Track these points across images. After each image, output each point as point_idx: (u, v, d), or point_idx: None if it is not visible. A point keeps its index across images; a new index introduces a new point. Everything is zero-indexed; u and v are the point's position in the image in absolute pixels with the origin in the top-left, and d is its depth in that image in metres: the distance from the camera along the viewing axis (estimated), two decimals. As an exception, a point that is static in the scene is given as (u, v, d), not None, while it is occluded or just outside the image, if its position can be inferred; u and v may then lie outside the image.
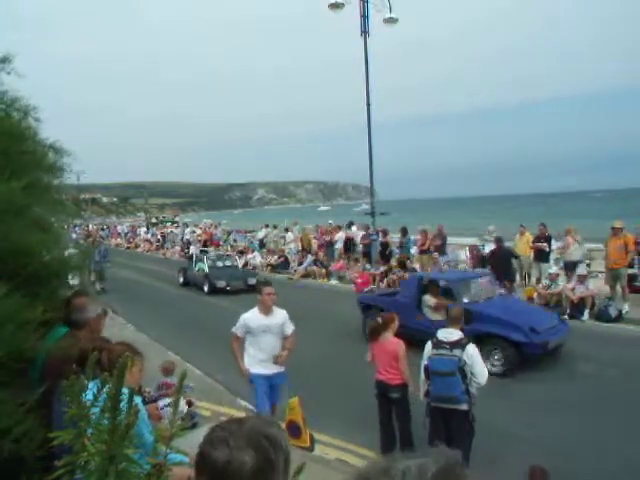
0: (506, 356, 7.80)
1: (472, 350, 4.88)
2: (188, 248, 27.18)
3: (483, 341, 7.88)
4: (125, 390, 1.48)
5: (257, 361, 5.41)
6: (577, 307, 10.98)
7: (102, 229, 44.59)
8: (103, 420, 1.47)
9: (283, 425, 5.22)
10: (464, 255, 17.22)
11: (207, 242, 26.20)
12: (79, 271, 3.84)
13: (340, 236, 19.35)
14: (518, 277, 14.31)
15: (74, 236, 15.32)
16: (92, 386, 1.69)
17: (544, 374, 7.74)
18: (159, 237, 33.95)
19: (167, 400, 4.74)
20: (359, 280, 15.64)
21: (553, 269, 12.57)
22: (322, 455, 5.55)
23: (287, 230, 24.00)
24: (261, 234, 25.26)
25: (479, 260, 15.17)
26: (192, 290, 16.95)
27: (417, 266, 15.85)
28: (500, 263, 12.66)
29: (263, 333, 5.40)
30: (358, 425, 6.10)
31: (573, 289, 11.34)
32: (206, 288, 16.25)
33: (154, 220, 50.09)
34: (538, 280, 13.46)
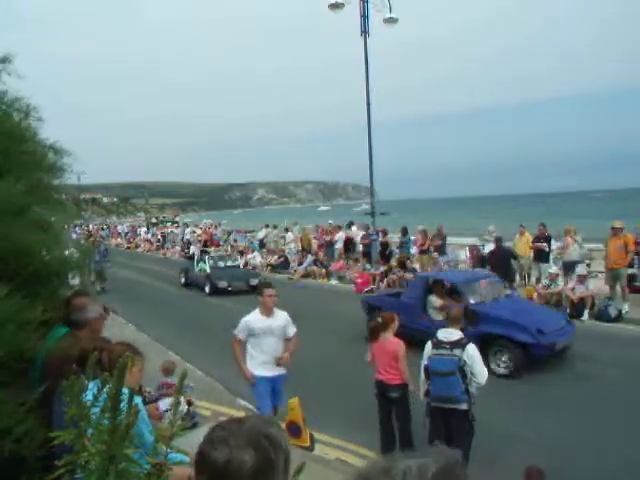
0: (513, 357, 7.74)
1: (472, 350, 4.88)
2: (188, 248, 27.19)
3: (490, 342, 7.89)
4: (125, 390, 1.48)
5: (259, 363, 5.37)
6: (577, 307, 10.97)
7: (102, 229, 44.61)
8: (103, 420, 1.47)
9: (283, 425, 5.22)
10: (464, 255, 17.22)
11: (207, 242, 26.21)
12: (79, 271, 3.84)
13: (340, 236, 19.36)
14: (518, 277, 14.31)
15: (74, 236, 15.32)
16: (92, 386, 1.69)
17: (543, 374, 7.74)
18: (159, 237, 33.97)
19: (168, 402, 4.74)
20: (359, 280, 15.65)
21: (553, 269, 12.57)
22: (322, 455, 5.55)
23: (287, 230, 24.01)
24: (261, 234, 25.27)
25: (479, 260, 15.17)
26: (192, 290, 16.95)
27: (417, 266, 15.85)
28: (500, 263, 12.66)
29: (265, 335, 5.36)
30: (358, 425, 6.10)
31: (573, 289, 11.34)
32: (207, 289, 16.18)
33: (154, 220, 50.11)
34: (538, 280, 13.46)
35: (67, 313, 3.21)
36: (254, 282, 15.02)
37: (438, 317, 8.73)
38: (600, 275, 13.27)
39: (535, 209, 70.61)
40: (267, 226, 25.57)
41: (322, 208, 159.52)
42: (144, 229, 40.36)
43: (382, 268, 16.00)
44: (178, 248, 29.24)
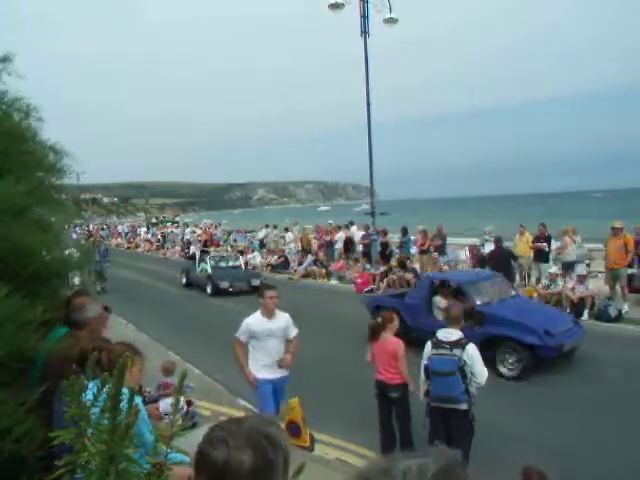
0: (520, 359, 7.66)
1: (472, 350, 4.88)
2: (188, 248, 27.21)
3: (496, 344, 7.83)
4: (125, 390, 1.48)
5: (261, 365, 5.32)
6: (577, 307, 10.97)
7: (102, 229, 44.62)
8: (103, 420, 1.47)
9: (283, 425, 5.22)
10: (464, 255, 17.22)
11: (207, 242, 26.20)
12: (79, 271, 3.84)
13: (340, 236, 19.35)
14: (518, 277, 14.31)
15: (74, 236, 15.33)
16: (92, 386, 1.69)
17: (543, 374, 7.73)
18: (159, 237, 33.97)
19: (168, 402, 4.73)
20: (359, 280, 15.65)
21: (553, 269, 12.57)
22: (322, 455, 5.56)
23: (287, 230, 24.01)
24: (261, 234, 25.27)
25: (479, 260, 15.17)
26: (192, 290, 16.95)
27: (417, 266, 15.85)
28: (500, 263, 12.65)
29: (267, 337, 5.30)
30: (358, 425, 6.10)
31: (573, 289, 11.35)
32: (209, 289, 16.08)
33: (154, 220, 50.12)
34: (538, 280, 13.46)
35: (67, 313, 3.21)
36: (256, 283, 14.90)
37: (443, 318, 8.69)
38: (600, 275, 13.26)
39: (535, 209, 70.60)
40: (267, 226, 25.57)
41: (322, 208, 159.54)
42: (144, 229, 40.36)
43: (382, 268, 15.99)
44: (178, 248, 29.24)
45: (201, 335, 10.86)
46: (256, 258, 21.30)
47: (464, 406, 4.87)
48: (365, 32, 17.54)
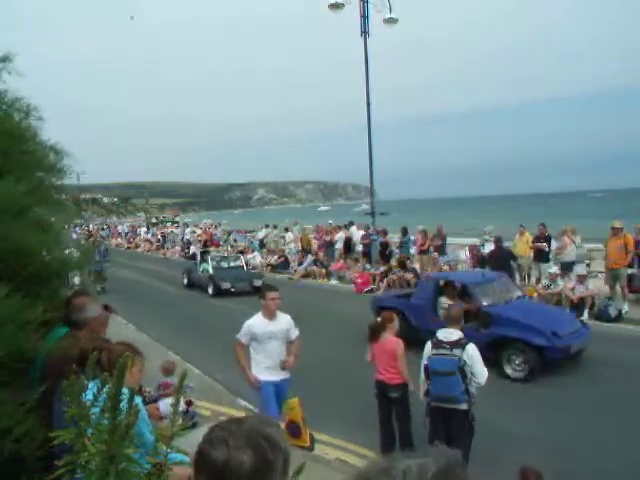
0: (527, 361, 7.60)
1: (472, 350, 4.88)
2: (188, 248, 27.22)
3: (503, 345, 7.78)
4: (125, 390, 1.48)
5: (264, 368, 5.27)
6: (577, 307, 10.97)
7: (102, 229, 44.63)
8: (103, 420, 1.47)
9: (283, 425, 5.22)
10: (464, 255, 17.22)
11: (207, 242, 26.21)
12: (79, 271, 3.84)
13: (340, 236, 19.35)
14: (518, 277, 14.31)
15: (74, 236, 15.32)
16: (92, 386, 1.69)
17: (542, 374, 7.73)
18: (159, 237, 33.98)
19: (168, 402, 4.73)
20: (359, 280, 15.66)
21: (553, 269, 12.57)
22: (322, 455, 5.55)
23: (287, 230, 24.01)
24: (261, 234, 25.28)
25: (479, 260, 15.17)
26: (193, 290, 16.94)
27: (417, 266, 15.85)
28: (500, 263, 12.65)
29: (268, 339, 5.25)
30: (358, 425, 6.10)
31: (573, 289, 11.35)
32: (210, 290, 15.96)
33: (154, 220, 50.13)
34: (538, 280, 13.46)
35: (67, 313, 3.21)
36: (258, 283, 14.80)
37: None
38: (600, 275, 13.27)
39: (535, 209, 70.61)
40: (267, 226, 25.58)
41: (322, 208, 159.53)
42: (144, 229, 40.37)
43: (382, 268, 16.00)
44: (178, 248, 29.25)
45: (201, 335, 10.86)
46: (256, 258, 21.30)
47: (464, 406, 4.87)
48: (365, 32, 17.55)
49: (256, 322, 5.30)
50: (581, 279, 11.46)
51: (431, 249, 15.95)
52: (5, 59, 3.29)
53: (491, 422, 5.62)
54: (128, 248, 35.45)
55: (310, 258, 19.10)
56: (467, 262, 16.50)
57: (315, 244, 20.91)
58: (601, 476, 5.10)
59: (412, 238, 17.29)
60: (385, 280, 15.33)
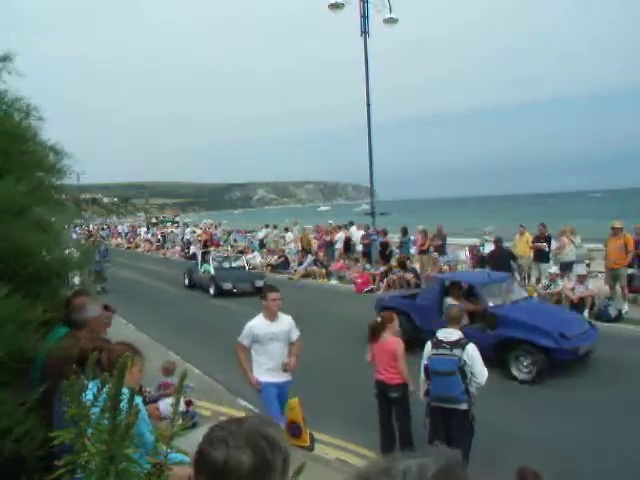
0: (535, 362, 7.50)
1: (472, 350, 4.88)
2: (188, 248, 27.23)
3: (510, 347, 7.70)
4: (125, 390, 1.48)
5: (265, 369, 5.22)
6: (577, 307, 10.98)
7: (102, 229, 44.63)
8: (103, 420, 1.47)
9: (283, 425, 5.22)
10: (464, 255, 17.22)
11: (207, 242, 26.21)
12: (79, 271, 3.84)
13: (340, 236, 19.36)
14: (518, 277, 14.31)
15: (74, 236, 15.33)
16: (92, 386, 1.69)
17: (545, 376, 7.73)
18: (159, 237, 33.98)
19: (168, 402, 4.73)
20: (359, 280, 15.66)
21: (553, 269, 12.58)
22: (322, 455, 5.55)
23: (287, 230, 24.01)
24: (261, 234, 25.28)
25: (479, 260, 15.18)
26: (193, 291, 16.93)
27: (417, 266, 15.86)
28: (499, 264, 12.65)
29: (270, 341, 5.20)
30: (358, 425, 6.10)
31: (573, 289, 11.35)
32: (212, 290, 15.85)
33: (154, 220, 50.12)
34: (538, 280, 13.46)
35: (67, 313, 3.21)
36: (259, 284, 14.65)
37: None
38: (600, 275, 13.27)
39: (535, 209, 70.62)
40: (267, 226, 25.58)
41: (322, 208, 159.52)
42: (144, 229, 40.37)
43: (382, 268, 16.00)
44: (178, 248, 29.26)
45: (201, 335, 10.86)
46: (256, 258, 21.30)
47: (464, 406, 4.87)
48: (365, 32, 17.55)
49: (257, 323, 5.25)
50: (581, 279, 11.46)
51: (431, 249, 15.95)
52: (5, 59, 3.29)
53: (491, 422, 5.61)
54: (128, 248, 35.45)
55: (310, 258, 19.10)
56: (467, 262, 16.50)
57: (315, 244, 20.91)
58: (601, 476, 5.10)
59: (412, 238, 17.29)
60: (385, 280, 15.33)
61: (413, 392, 5.31)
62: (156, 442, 1.60)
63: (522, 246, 13.96)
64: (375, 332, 5.45)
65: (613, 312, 10.70)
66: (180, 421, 1.62)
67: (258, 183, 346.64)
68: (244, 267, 17.81)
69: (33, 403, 2.44)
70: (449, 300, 8.77)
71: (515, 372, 7.64)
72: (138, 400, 1.87)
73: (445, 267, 14.96)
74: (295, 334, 5.41)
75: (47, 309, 2.77)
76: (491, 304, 8.27)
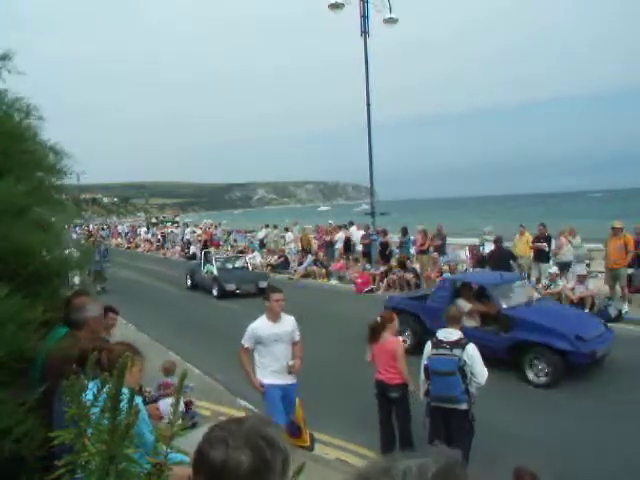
0: (550, 365, 7.32)
1: (472, 350, 4.88)
2: (188, 248, 27.24)
3: (524, 350, 7.55)
4: (125, 390, 1.48)
5: (270, 372, 5.15)
6: (577, 307, 10.97)
7: (102, 229, 44.64)
8: (103, 420, 1.47)
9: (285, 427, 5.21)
10: (464, 255, 17.22)
11: (207, 242, 26.22)
12: (79, 271, 3.84)
13: (340, 236, 19.36)
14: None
15: (74, 236, 15.33)
16: (92, 386, 1.69)
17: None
18: (159, 237, 33.98)
19: (168, 402, 4.73)
20: (359, 280, 15.66)
21: (553, 269, 12.58)
22: (322, 455, 5.55)
23: (287, 230, 24.02)
24: (261, 234, 25.28)
25: (479, 260, 15.18)
26: (193, 290, 16.92)
27: (417, 266, 15.86)
28: (499, 264, 12.65)
29: (274, 342, 5.13)
30: (358, 425, 6.10)
31: (573, 289, 11.35)
32: (215, 291, 15.56)
33: (154, 220, 50.12)
34: (538, 280, 13.46)
35: (67, 313, 3.21)
36: (264, 284, 14.44)
37: (467, 323, 8.08)
38: (600, 275, 13.27)
39: (535, 209, 70.63)
40: (267, 226, 25.58)
41: (322, 208, 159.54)
42: (144, 229, 40.37)
43: (382, 268, 16.01)
44: (178, 248, 29.26)
45: (201, 335, 10.86)
46: (256, 258, 21.29)
47: (464, 406, 4.87)
48: (365, 32, 17.55)
49: (260, 325, 5.19)
50: (581, 279, 11.46)
51: (431, 249, 15.94)
52: (5, 57, 3.29)
53: (491, 422, 5.62)
54: (128, 248, 35.45)
55: (310, 258, 19.10)
56: (467, 262, 16.49)
57: (315, 244, 20.91)
58: (601, 476, 5.10)
59: (412, 238, 17.29)
60: (385, 280, 15.34)
61: (413, 392, 5.30)
62: (156, 442, 1.60)
63: (522, 246, 13.96)
64: (375, 332, 5.45)
65: (613, 312, 10.69)
66: (180, 421, 1.62)
67: (258, 183, 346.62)
68: (247, 267, 17.53)
69: (33, 403, 2.44)
70: (460, 301, 8.59)
71: (530, 376, 7.46)
72: (138, 400, 1.87)
73: (445, 267, 14.96)
74: (297, 334, 5.37)
75: (47, 309, 2.77)
76: (504, 305, 8.10)
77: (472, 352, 4.87)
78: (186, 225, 35.82)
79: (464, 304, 8.52)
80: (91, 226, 40.64)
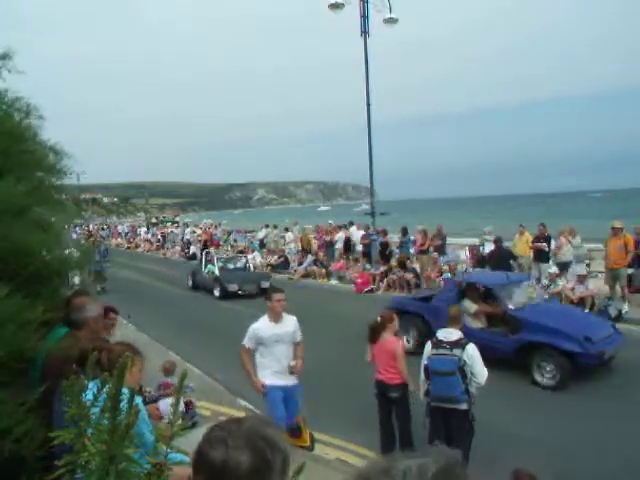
0: (559, 367, 7.25)
1: (472, 350, 4.88)
2: (188, 248, 27.24)
3: (532, 351, 7.50)
4: (125, 390, 1.48)
5: (271, 372, 5.13)
6: (577, 307, 10.97)
7: (102, 229, 44.64)
8: (103, 420, 1.47)
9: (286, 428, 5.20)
10: (464, 255, 17.22)
11: (207, 242, 26.23)
12: (79, 270, 3.84)
13: (340, 236, 19.36)
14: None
15: (74, 236, 15.32)
16: (92, 386, 1.69)
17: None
18: (159, 237, 33.98)
19: (168, 402, 4.73)
20: (359, 280, 15.66)
21: (553, 269, 12.58)
22: (322, 455, 5.55)
23: (287, 230, 24.02)
24: (261, 234, 25.28)
25: (479, 260, 15.18)
26: (194, 291, 16.90)
27: (417, 266, 15.86)
28: (499, 263, 12.64)
29: (275, 343, 5.12)
30: (358, 425, 6.10)
31: (573, 289, 11.35)
32: (217, 292, 15.42)
33: (154, 220, 50.13)
34: (538, 280, 13.46)
35: (67, 313, 3.21)
36: (266, 285, 14.31)
37: (473, 324, 8.16)
38: (600, 275, 13.27)
39: (535, 209, 70.62)
40: (267, 226, 25.58)
41: (322, 208, 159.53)
42: (144, 229, 40.37)
43: (382, 268, 16.01)
44: (178, 248, 29.26)
45: (201, 335, 10.86)
46: (256, 258, 21.29)
47: (464, 406, 4.87)
48: (365, 32, 17.54)
49: (262, 325, 5.18)
50: (581, 279, 11.46)
51: (431, 249, 15.95)
52: (5, 57, 3.29)
53: (491, 422, 5.61)
54: (128, 248, 35.45)
55: (310, 258, 19.09)
56: (467, 262, 16.50)
57: (315, 244, 20.91)
58: (601, 476, 5.10)
59: (412, 238, 17.29)
60: (385, 280, 15.34)
61: (413, 392, 5.30)
62: (156, 442, 1.60)
63: (522, 246, 13.96)
64: (375, 332, 5.45)
65: (613, 312, 10.69)
66: (180, 421, 1.62)
67: (258, 183, 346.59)
68: (249, 268, 17.41)
69: (33, 403, 2.44)
70: (466, 302, 8.50)
71: (538, 378, 7.40)
72: (138, 400, 1.87)
73: (445, 267, 14.96)
74: (298, 335, 5.36)
75: (47, 309, 2.77)
76: (511, 306, 8.03)
77: (472, 352, 4.87)
78: (186, 225, 35.83)
79: (470, 305, 8.45)
80: (91, 226, 40.64)
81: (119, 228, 45.61)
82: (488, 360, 5.16)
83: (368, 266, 16.77)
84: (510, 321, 7.91)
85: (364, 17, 17.48)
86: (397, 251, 17.34)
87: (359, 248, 18.28)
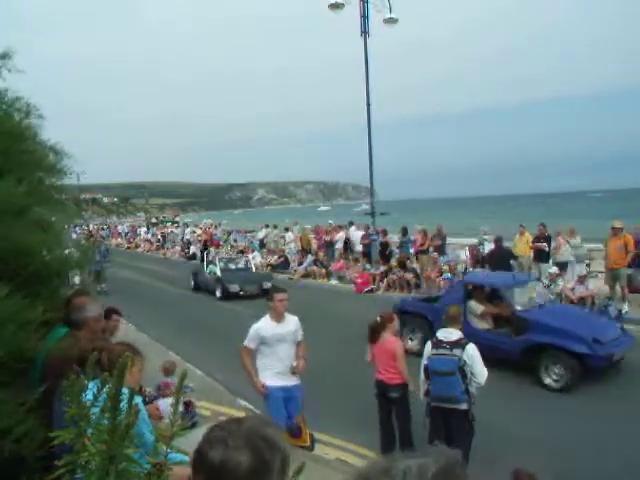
0: (568, 369, 7.16)
1: (472, 350, 4.88)
2: (188, 248, 27.24)
3: (540, 353, 7.44)
4: (125, 390, 1.48)
5: (275, 373, 5.11)
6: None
7: (102, 229, 44.64)
8: (103, 420, 1.47)
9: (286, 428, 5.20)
10: (464, 255, 17.22)
11: (207, 242, 26.23)
12: (79, 270, 3.84)
13: (340, 236, 19.36)
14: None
15: (74, 236, 15.32)
16: (92, 386, 1.69)
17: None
18: (159, 237, 33.99)
19: (168, 402, 4.73)
20: (359, 280, 15.66)
21: (553, 269, 12.58)
22: (322, 455, 5.55)
23: (287, 230, 24.02)
24: (261, 234, 25.28)
25: (479, 260, 15.18)
26: (195, 292, 16.89)
27: (417, 266, 15.86)
28: (499, 263, 12.64)
29: (277, 342, 5.10)
30: (358, 425, 6.10)
31: (573, 289, 11.35)
32: (218, 293, 15.35)
33: (154, 220, 50.14)
34: (538, 280, 13.45)
35: (67, 313, 3.21)
36: (268, 285, 14.22)
37: (479, 325, 8.13)
38: (600, 275, 13.27)
39: (535, 209, 70.62)
40: (267, 226, 25.58)
41: (322, 208, 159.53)
42: (144, 229, 40.38)
43: (382, 268, 16.01)
44: (178, 248, 29.26)
45: (201, 335, 10.85)
46: (256, 258, 21.28)
47: (464, 406, 4.87)
48: (365, 32, 17.54)
49: (264, 325, 5.16)
50: (581, 279, 11.46)
51: (431, 249, 15.95)
52: (5, 56, 3.29)
53: (491, 422, 5.62)
54: (128, 248, 35.45)
55: (310, 258, 19.09)
56: (467, 262, 16.50)
57: (315, 244, 20.91)
58: (601, 476, 5.10)
59: (412, 238, 17.29)
60: (385, 280, 15.34)
61: (413, 392, 5.30)
62: (156, 442, 1.60)
63: (522, 246, 13.96)
64: (375, 332, 5.45)
65: (613, 312, 10.69)
66: (180, 421, 1.62)
67: (258, 183, 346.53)
68: (250, 268, 17.28)
69: (33, 403, 2.44)
70: (472, 303, 8.45)
71: (546, 380, 7.33)
72: (138, 400, 1.87)
73: (445, 267, 14.96)
74: (300, 334, 5.35)
75: (47, 309, 2.77)
76: (518, 307, 7.97)
77: (472, 352, 4.87)
78: (186, 225, 35.83)
79: (477, 306, 8.40)
80: (91, 226, 40.64)
81: (119, 228, 45.62)
82: (488, 360, 5.16)
83: (368, 266, 16.77)
84: (516, 322, 7.85)
85: (364, 17, 17.48)
86: (397, 251, 17.34)
87: (359, 248, 18.28)
